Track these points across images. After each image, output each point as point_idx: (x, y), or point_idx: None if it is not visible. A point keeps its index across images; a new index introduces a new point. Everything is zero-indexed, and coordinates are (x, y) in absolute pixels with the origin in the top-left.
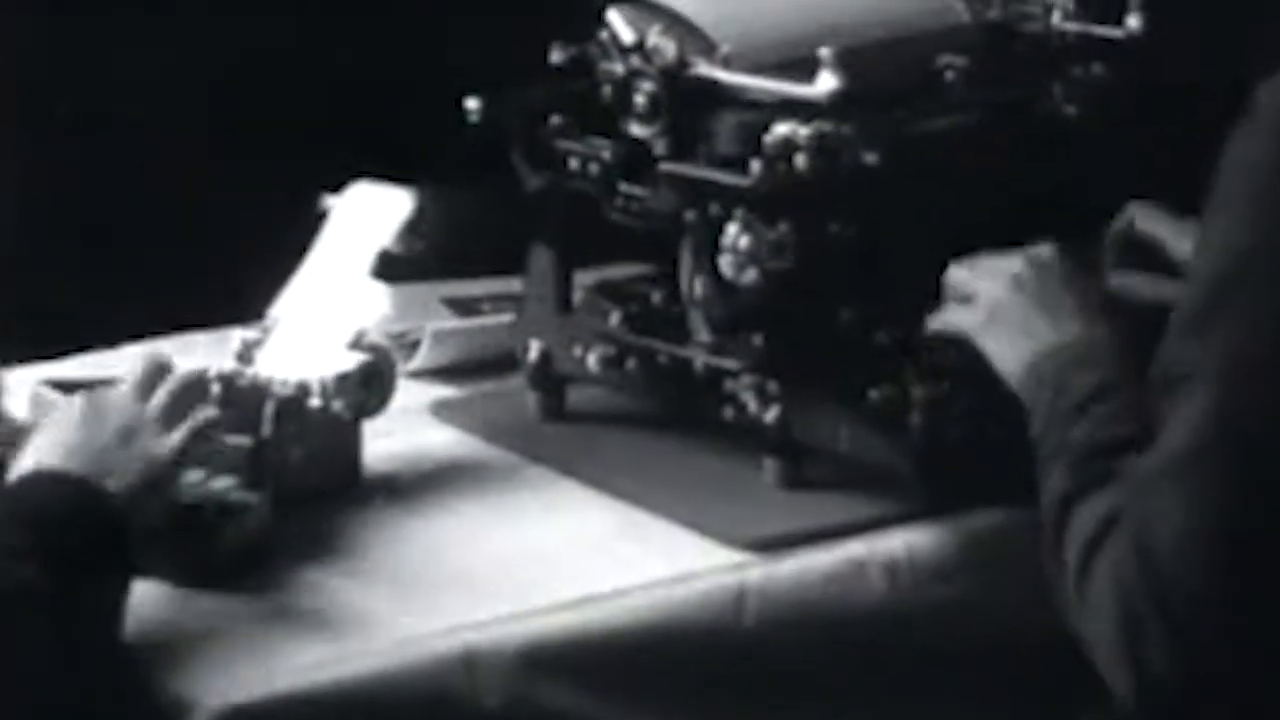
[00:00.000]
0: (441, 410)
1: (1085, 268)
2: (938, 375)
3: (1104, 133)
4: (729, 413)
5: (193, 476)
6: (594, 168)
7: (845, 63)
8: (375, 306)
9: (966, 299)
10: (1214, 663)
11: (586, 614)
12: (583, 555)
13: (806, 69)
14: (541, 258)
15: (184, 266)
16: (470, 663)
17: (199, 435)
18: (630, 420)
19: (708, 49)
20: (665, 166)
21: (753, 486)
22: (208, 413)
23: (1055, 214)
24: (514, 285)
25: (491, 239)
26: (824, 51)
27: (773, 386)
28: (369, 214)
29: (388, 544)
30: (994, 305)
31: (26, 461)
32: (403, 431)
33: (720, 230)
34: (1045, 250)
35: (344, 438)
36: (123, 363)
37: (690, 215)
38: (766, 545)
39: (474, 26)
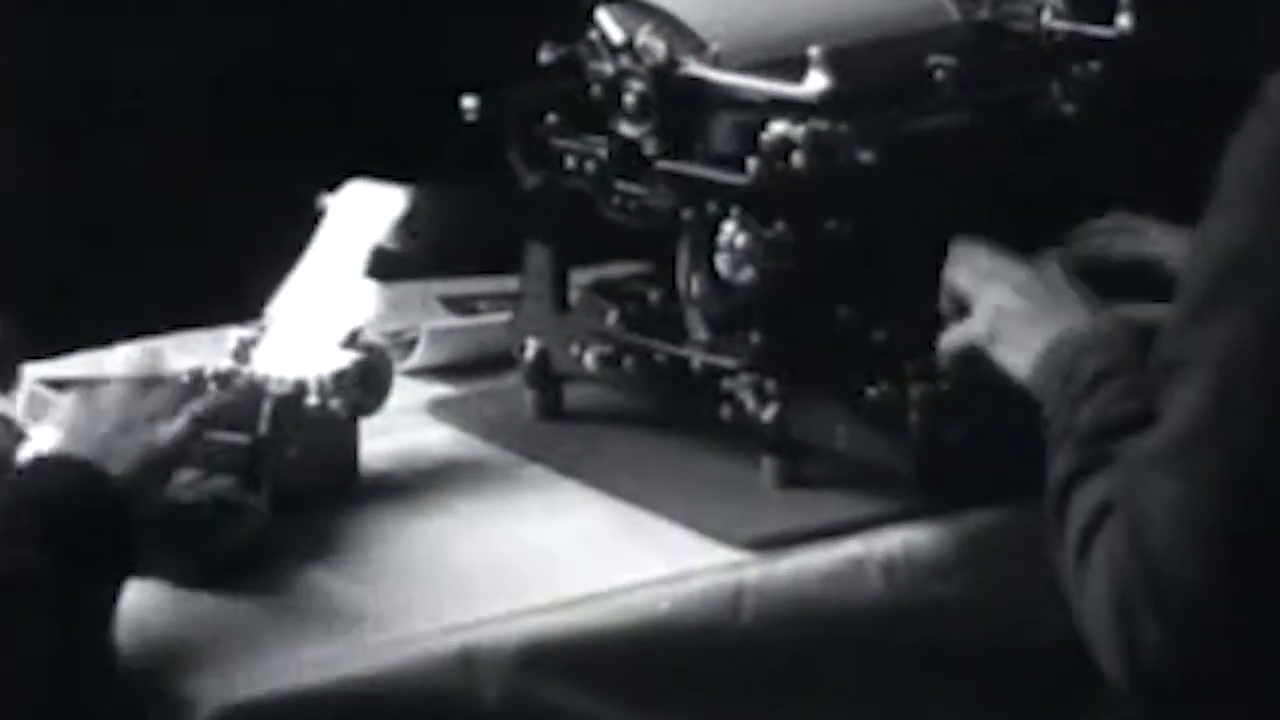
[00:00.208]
0: (439, 409)
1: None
2: (935, 374)
3: (1099, 130)
4: (726, 411)
5: (190, 476)
6: (590, 166)
7: (835, 62)
8: (371, 305)
9: (963, 309)
10: (1206, 648)
11: (584, 612)
12: (580, 554)
13: (796, 68)
14: (538, 256)
15: (181, 266)
16: (468, 661)
17: (199, 424)
18: (628, 419)
19: (697, 48)
20: (662, 165)
21: (750, 485)
22: (207, 401)
23: (1051, 212)
24: (511, 284)
25: (488, 237)
26: (813, 51)
27: (770, 385)
28: (365, 213)
29: (385, 543)
30: (998, 312)
31: (27, 451)
32: (400, 430)
33: (717, 229)
34: (1046, 259)
35: (341, 436)
36: (120, 360)
37: (687, 214)
38: (764, 544)
39: (471, 26)
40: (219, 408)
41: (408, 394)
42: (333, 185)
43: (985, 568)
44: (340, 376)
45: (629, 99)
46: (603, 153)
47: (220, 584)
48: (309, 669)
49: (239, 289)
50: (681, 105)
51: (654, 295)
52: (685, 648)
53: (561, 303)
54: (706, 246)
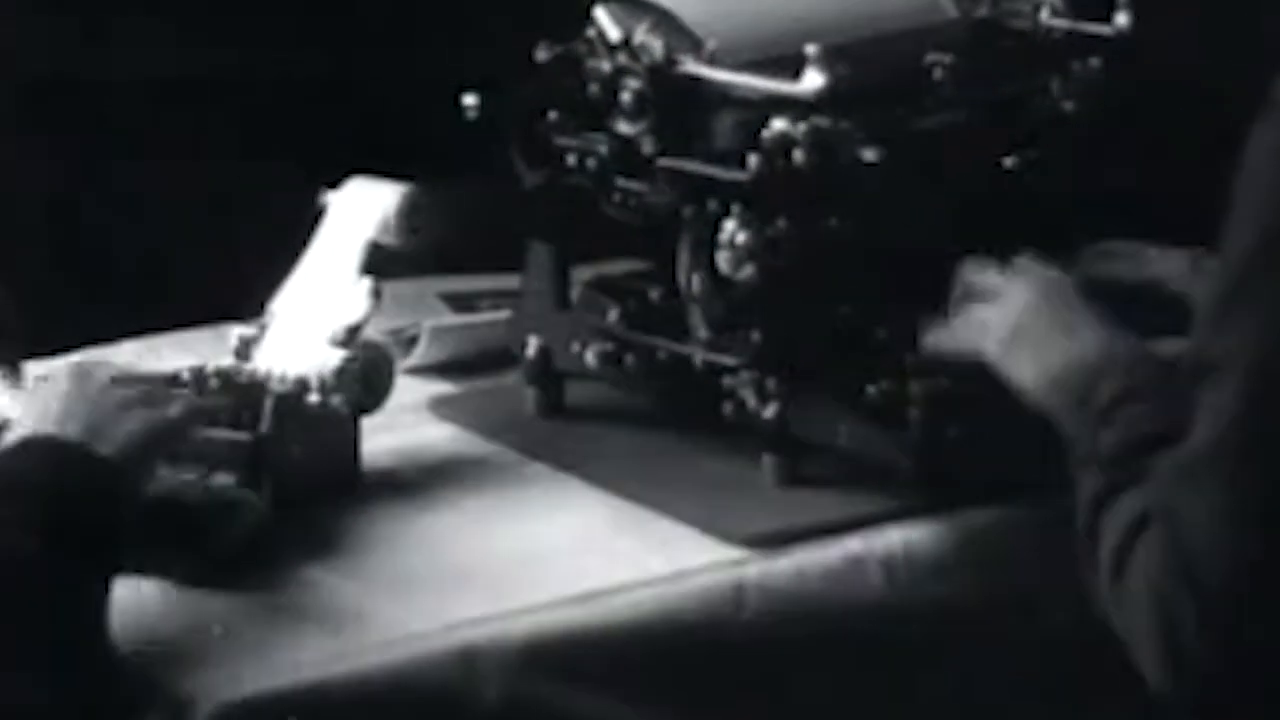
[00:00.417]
0: (440, 406)
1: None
2: (936, 371)
3: (1101, 128)
4: (727, 409)
5: (191, 474)
6: (591, 163)
7: (832, 60)
8: (371, 302)
9: (977, 298)
10: (1249, 653)
11: (585, 610)
12: (581, 552)
13: (793, 66)
14: (539, 253)
15: (181, 263)
16: (469, 659)
17: (197, 411)
18: (628, 416)
19: (694, 46)
20: (663, 162)
21: (751, 483)
22: (206, 401)
23: (1050, 210)
24: (512, 281)
25: (489, 235)
26: (810, 49)
27: (771, 383)
28: (366, 210)
29: (386, 540)
30: (1013, 329)
31: (17, 431)
32: (401, 428)
33: (718, 226)
34: (1054, 273)
35: (342, 434)
36: (119, 358)
37: (688, 211)
38: (765, 541)
39: (471, 23)
40: (218, 402)
41: (409, 392)
42: (334, 183)
43: (985, 566)
44: (341, 374)
45: (626, 97)
46: (604, 150)
47: (220, 581)
48: (309, 666)
49: (238, 286)
50: (678, 103)
51: (655, 293)
52: (686, 646)
53: (562, 300)
54: (707, 244)
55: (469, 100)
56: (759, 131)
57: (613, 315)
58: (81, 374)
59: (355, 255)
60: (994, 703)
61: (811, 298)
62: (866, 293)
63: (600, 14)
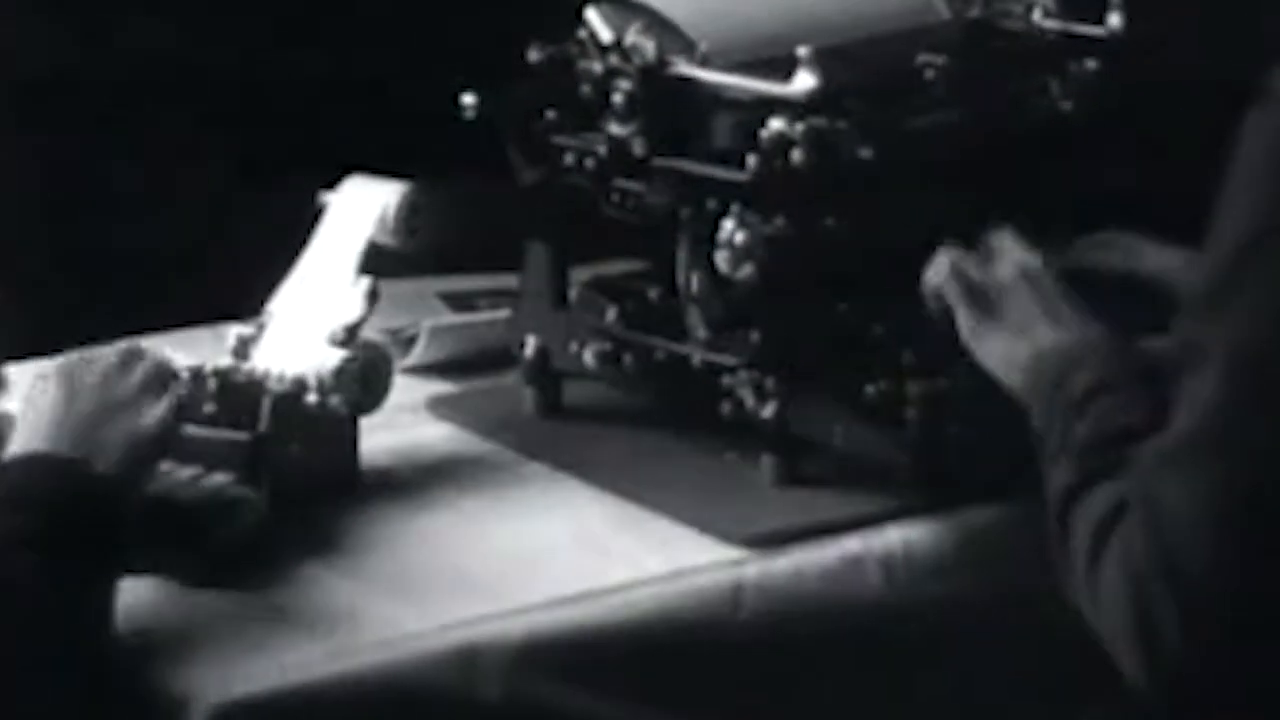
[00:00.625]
0: (438, 406)
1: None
2: (934, 370)
3: (1097, 127)
4: (726, 408)
5: (190, 473)
6: (590, 163)
7: (823, 61)
8: (370, 302)
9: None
10: (1226, 643)
11: (584, 610)
12: (579, 551)
13: (785, 67)
14: (537, 253)
15: (181, 263)
16: (468, 658)
17: (181, 410)
18: (627, 416)
19: (686, 47)
20: (661, 162)
21: (750, 482)
22: (183, 391)
23: (1048, 209)
24: (510, 281)
25: (488, 235)
26: (802, 50)
27: (769, 382)
28: (364, 209)
29: (385, 540)
30: (989, 310)
31: (14, 446)
32: (399, 427)
33: (716, 225)
34: (1034, 260)
35: (341, 433)
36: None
37: (686, 211)
38: (763, 541)
39: (470, 23)
40: (201, 395)
41: (407, 391)
42: (332, 182)
43: (984, 565)
44: (340, 374)
45: (617, 98)
46: (602, 150)
47: (219, 581)
48: (308, 666)
49: (236, 285)
50: (670, 105)
51: (653, 292)
52: (684, 646)
53: (561, 300)
54: (706, 243)
55: (467, 100)
56: (753, 133)
57: (611, 315)
58: (70, 376)
59: (354, 255)
60: (993, 702)
61: (810, 297)
62: (865, 292)
63: (592, 15)
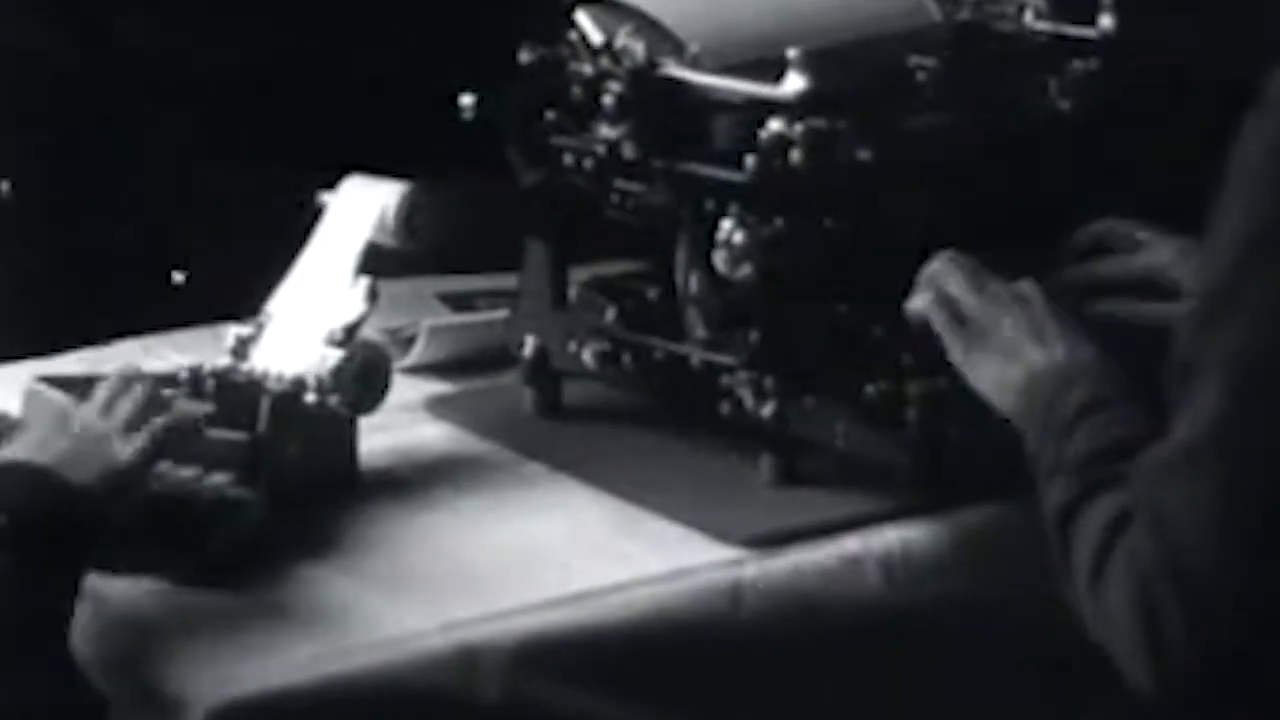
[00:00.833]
0: (437, 406)
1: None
2: (933, 371)
3: (1094, 128)
4: (725, 409)
5: (189, 473)
6: (589, 164)
7: (814, 63)
8: (369, 302)
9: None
10: (1235, 649)
11: (582, 610)
12: (578, 551)
13: (776, 69)
14: (537, 253)
15: (179, 263)
16: (467, 659)
17: (156, 446)
18: (626, 416)
19: (676, 50)
20: (660, 162)
21: (748, 482)
22: (171, 417)
23: (1046, 211)
24: (509, 281)
25: (487, 235)
26: (792, 52)
27: (768, 382)
28: (363, 209)
29: (384, 540)
30: (981, 328)
31: (3, 456)
32: (398, 427)
33: (715, 226)
34: (1026, 284)
35: (340, 434)
36: (117, 358)
37: (685, 211)
38: (762, 541)
39: (469, 24)
40: (182, 421)
41: (406, 391)
42: (330, 182)
43: (983, 565)
44: (339, 374)
45: (608, 100)
46: (600, 151)
47: (218, 581)
48: (306, 666)
49: (234, 285)
50: (660, 107)
51: (652, 292)
52: (683, 645)
53: (560, 300)
54: (705, 244)
55: (466, 100)
56: (747, 134)
57: (610, 315)
58: (62, 411)
59: (353, 255)
60: (992, 702)
61: (808, 297)
62: (864, 292)
63: (582, 17)
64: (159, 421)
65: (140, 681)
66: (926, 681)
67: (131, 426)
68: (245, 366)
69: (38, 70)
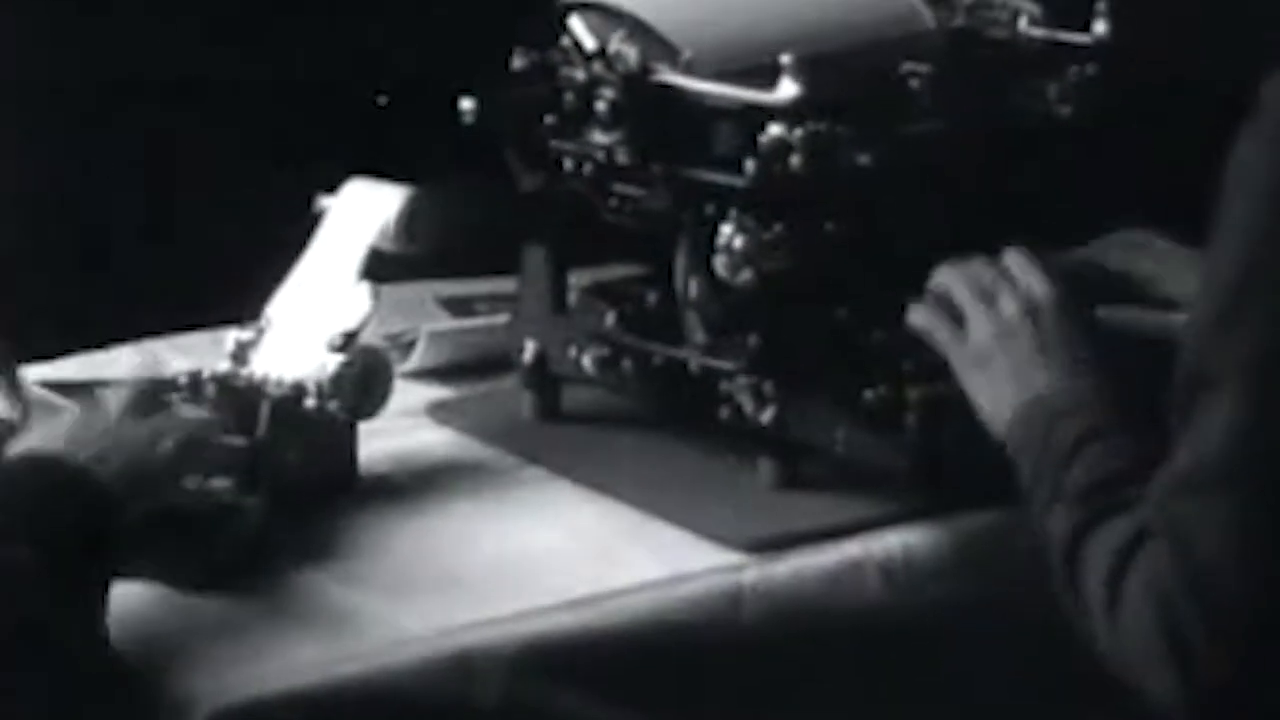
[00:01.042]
0: (437, 411)
1: (1078, 302)
2: (933, 376)
3: (1095, 133)
4: (725, 413)
5: (189, 479)
6: (588, 168)
7: (807, 70)
8: (369, 307)
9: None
10: (1262, 660)
11: (582, 615)
12: (578, 556)
13: (769, 76)
14: (536, 258)
15: (180, 266)
16: (466, 664)
17: (185, 447)
18: (626, 421)
19: (670, 55)
20: (659, 167)
21: (748, 487)
22: (194, 426)
23: (1047, 214)
24: (509, 286)
25: (486, 239)
26: (785, 58)
27: (768, 387)
28: (364, 213)
29: (384, 545)
30: (984, 349)
31: (18, 449)
32: (398, 432)
33: (715, 230)
34: (1041, 287)
35: (340, 439)
36: (118, 362)
37: (685, 216)
38: (762, 546)
39: (470, 28)
40: (208, 428)
41: (406, 396)
42: (331, 186)
43: (984, 569)
44: (339, 379)
45: (601, 106)
46: (600, 156)
47: (218, 586)
48: (306, 671)
49: (235, 290)
50: (653, 113)
51: (652, 297)
52: (684, 650)
53: (560, 305)
54: (704, 248)
55: (466, 105)
56: (743, 140)
57: (609, 320)
58: (86, 410)
59: (353, 259)
60: (993, 705)
61: (808, 302)
62: (864, 297)
63: (575, 22)
64: (187, 427)
65: (142, 686)
66: (927, 686)
67: (160, 432)
68: (245, 371)
69: (37, 70)
